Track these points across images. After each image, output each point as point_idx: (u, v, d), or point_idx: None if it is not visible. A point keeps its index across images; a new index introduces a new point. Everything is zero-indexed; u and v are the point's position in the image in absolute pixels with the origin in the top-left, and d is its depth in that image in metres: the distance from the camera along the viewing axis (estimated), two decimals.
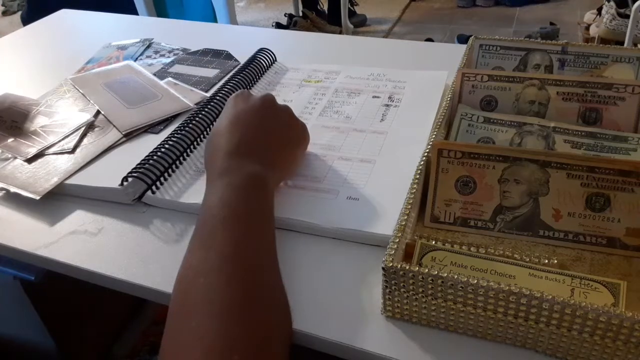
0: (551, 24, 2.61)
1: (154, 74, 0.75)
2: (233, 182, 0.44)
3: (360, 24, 2.97)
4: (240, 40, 0.89)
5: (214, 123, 0.62)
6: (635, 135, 0.50)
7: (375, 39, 0.99)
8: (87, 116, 0.66)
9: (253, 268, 0.39)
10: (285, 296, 0.40)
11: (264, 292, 0.38)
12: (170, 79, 0.74)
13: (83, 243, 0.49)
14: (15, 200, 0.55)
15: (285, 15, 2.82)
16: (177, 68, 0.78)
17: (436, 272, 0.35)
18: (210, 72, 0.76)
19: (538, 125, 0.51)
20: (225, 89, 0.66)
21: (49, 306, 0.78)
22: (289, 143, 0.52)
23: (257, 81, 0.71)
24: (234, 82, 0.67)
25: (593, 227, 0.43)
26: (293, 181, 0.53)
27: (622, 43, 1.97)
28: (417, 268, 0.36)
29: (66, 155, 0.59)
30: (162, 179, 0.54)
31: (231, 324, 0.34)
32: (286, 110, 0.53)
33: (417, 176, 0.45)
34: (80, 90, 0.71)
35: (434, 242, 0.42)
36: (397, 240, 0.38)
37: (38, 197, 0.53)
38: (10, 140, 0.62)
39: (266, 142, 0.49)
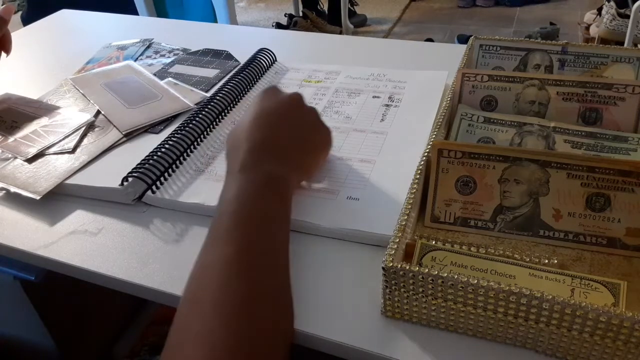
0: (551, 24, 2.61)
1: (154, 74, 0.75)
2: (252, 179, 0.43)
3: (360, 24, 2.97)
4: (240, 40, 0.89)
5: (214, 123, 0.62)
6: (635, 135, 0.50)
7: (375, 39, 0.99)
8: (87, 116, 0.66)
9: (261, 267, 0.39)
10: (290, 298, 0.40)
11: (269, 292, 0.38)
12: (170, 79, 0.74)
13: (83, 243, 0.49)
14: (16, 200, 0.55)
15: (285, 16, 2.82)
16: (177, 68, 0.78)
17: (436, 272, 0.35)
18: (210, 72, 0.76)
19: (538, 125, 0.51)
20: (226, 89, 0.66)
21: (49, 306, 0.78)
22: (313, 146, 0.51)
23: (257, 81, 0.71)
24: (234, 82, 0.67)
25: (593, 227, 0.43)
26: None
27: (622, 43, 1.97)
28: (417, 268, 0.36)
29: (66, 155, 0.59)
30: (162, 178, 0.54)
31: (235, 320, 0.35)
32: (313, 112, 0.52)
33: (417, 176, 0.45)
34: (81, 91, 0.71)
35: (434, 242, 0.42)
36: (397, 240, 0.38)
37: (38, 197, 0.53)
38: (10, 140, 0.62)
39: (290, 143, 0.48)
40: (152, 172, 0.53)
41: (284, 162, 0.46)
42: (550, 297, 0.33)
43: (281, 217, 0.43)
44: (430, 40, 2.53)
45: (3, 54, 0.68)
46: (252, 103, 0.51)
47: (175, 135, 0.57)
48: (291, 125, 0.49)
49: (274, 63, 0.76)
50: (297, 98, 0.51)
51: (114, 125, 0.64)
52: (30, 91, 0.73)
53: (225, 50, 0.82)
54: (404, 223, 0.40)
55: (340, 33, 2.67)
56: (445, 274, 0.35)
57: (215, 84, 0.73)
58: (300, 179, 0.49)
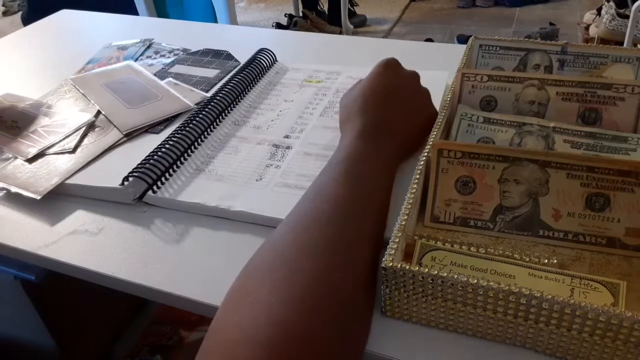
0: (551, 24, 2.61)
1: (155, 74, 0.75)
2: (364, 148, 0.47)
3: (360, 24, 2.98)
4: (240, 40, 0.89)
5: (214, 123, 0.62)
6: (635, 135, 0.50)
7: (375, 39, 0.99)
8: (87, 116, 0.66)
9: (352, 224, 0.41)
10: (366, 270, 0.40)
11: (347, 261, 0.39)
12: (170, 79, 0.74)
13: (84, 243, 0.49)
14: (16, 200, 0.55)
15: (285, 16, 2.82)
16: (178, 68, 0.78)
17: (436, 272, 0.35)
18: (210, 73, 0.76)
19: (538, 125, 0.52)
20: (226, 89, 0.66)
21: (49, 306, 0.78)
22: (420, 128, 0.54)
23: (257, 81, 0.71)
24: (234, 82, 0.67)
25: (593, 227, 0.43)
26: (294, 181, 0.53)
27: (621, 43, 1.98)
28: (417, 268, 0.36)
29: (67, 155, 0.59)
30: (163, 178, 0.54)
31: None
32: (425, 94, 0.56)
33: (417, 176, 0.45)
34: (81, 91, 0.71)
35: (434, 242, 0.42)
36: (397, 240, 0.38)
37: (39, 197, 0.53)
38: (10, 140, 0.62)
39: (400, 123, 0.52)
40: (153, 172, 0.53)
41: (393, 139, 0.50)
42: (550, 296, 0.33)
43: (383, 186, 0.47)
44: (430, 40, 2.53)
45: None
46: (371, 73, 0.55)
47: (176, 135, 0.58)
48: (404, 106, 0.53)
49: (274, 63, 0.76)
50: (414, 78, 0.55)
51: (114, 125, 0.64)
52: (30, 91, 0.73)
53: (225, 51, 0.82)
54: (404, 223, 0.40)
55: (340, 33, 2.68)
56: (445, 274, 0.35)
57: (216, 84, 0.73)
58: (405, 155, 0.53)
